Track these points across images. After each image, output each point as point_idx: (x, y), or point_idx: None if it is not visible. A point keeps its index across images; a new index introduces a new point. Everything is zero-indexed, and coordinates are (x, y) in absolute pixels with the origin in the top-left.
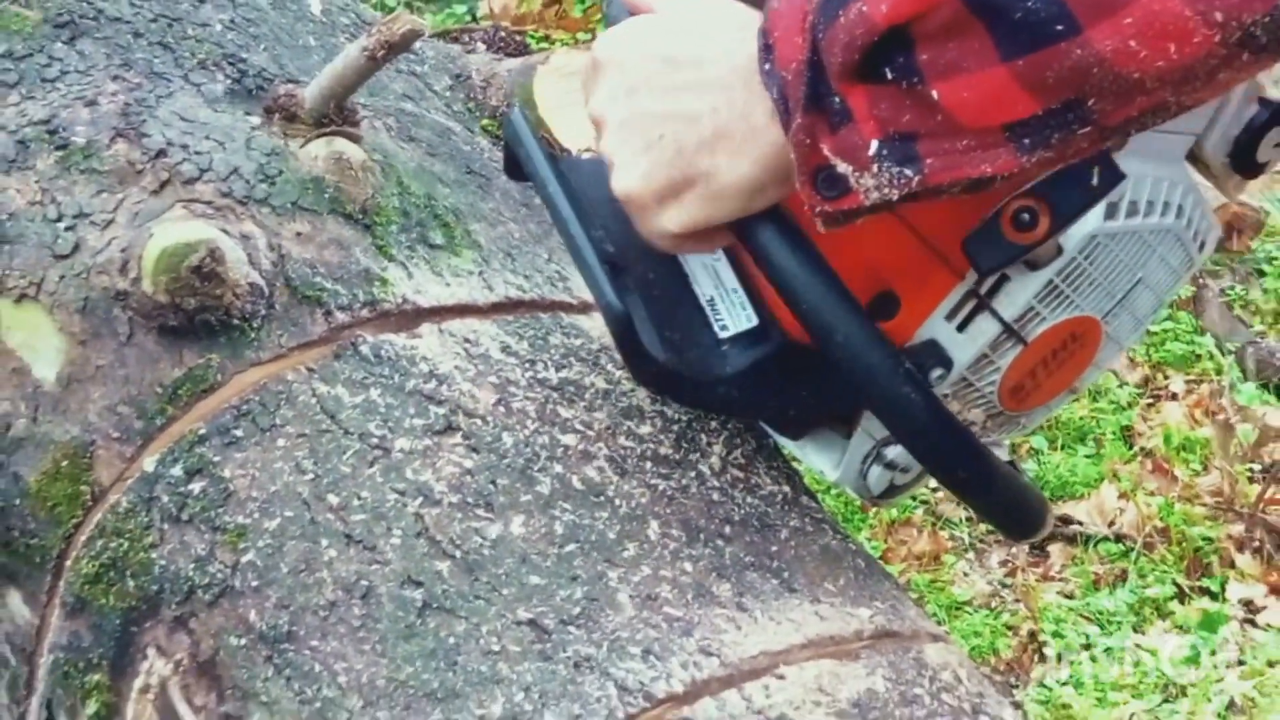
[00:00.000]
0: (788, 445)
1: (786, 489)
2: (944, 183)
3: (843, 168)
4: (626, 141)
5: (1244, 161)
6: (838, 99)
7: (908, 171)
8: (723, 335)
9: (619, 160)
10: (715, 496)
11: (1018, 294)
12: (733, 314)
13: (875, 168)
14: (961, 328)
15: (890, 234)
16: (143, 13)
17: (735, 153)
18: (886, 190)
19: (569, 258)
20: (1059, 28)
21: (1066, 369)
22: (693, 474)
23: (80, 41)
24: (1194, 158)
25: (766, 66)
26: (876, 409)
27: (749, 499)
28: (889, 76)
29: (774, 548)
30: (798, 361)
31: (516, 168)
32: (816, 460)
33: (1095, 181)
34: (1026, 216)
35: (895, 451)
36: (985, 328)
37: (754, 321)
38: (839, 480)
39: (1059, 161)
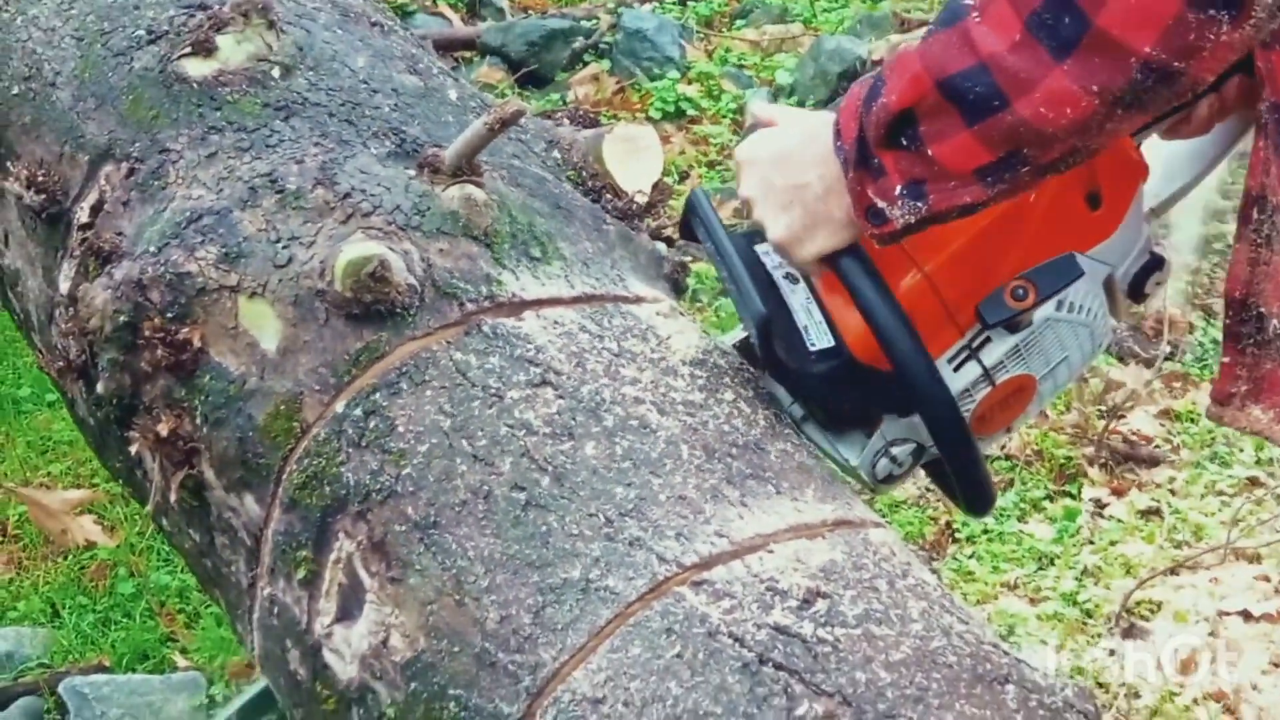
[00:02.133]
0: (820, 443)
1: (775, 424)
2: (942, 210)
3: (881, 204)
4: (770, 210)
5: (1135, 292)
6: (876, 160)
7: (919, 204)
8: (811, 350)
9: (769, 222)
10: (726, 429)
11: (996, 350)
12: (819, 336)
13: (900, 203)
14: (956, 369)
15: (924, 301)
16: (334, 99)
17: (839, 202)
18: (908, 217)
19: (631, 268)
20: (996, 103)
21: (1010, 412)
22: (710, 413)
23: (292, 119)
24: (1108, 284)
25: (837, 143)
26: (917, 396)
27: (750, 430)
28: (904, 144)
29: (766, 464)
30: (857, 373)
31: (690, 230)
32: (844, 451)
33: (1065, 275)
34: (1021, 291)
35: (899, 450)
36: (970, 370)
37: (831, 343)
38: (857, 466)
39: (1014, 192)
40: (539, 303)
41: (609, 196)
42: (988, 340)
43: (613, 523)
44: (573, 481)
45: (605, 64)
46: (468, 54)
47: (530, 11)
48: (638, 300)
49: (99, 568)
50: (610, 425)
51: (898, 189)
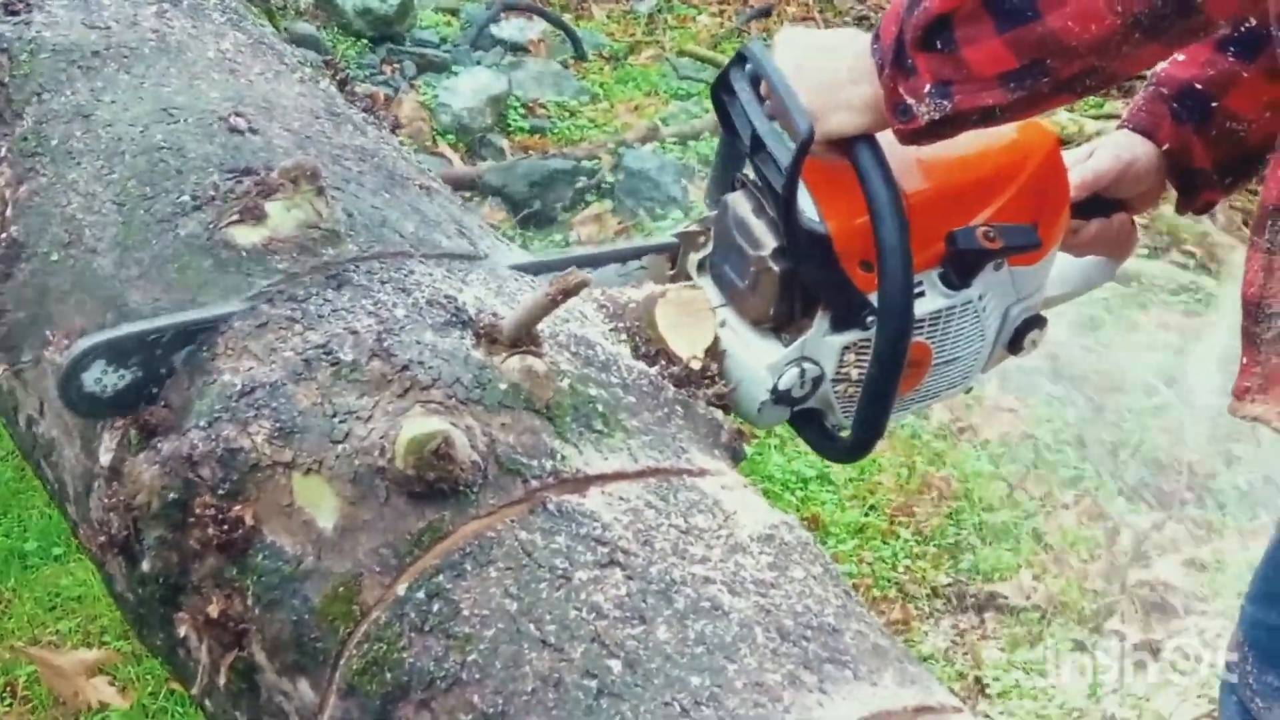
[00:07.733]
0: (737, 344)
1: (847, 602)
2: (964, 109)
3: (910, 101)
4: (805, 89)
5: (1017, 340)
6: (910, 61)
7: (945, 102)
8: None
9: (805, 98)
10: (799, 609)
11: (926, 304)
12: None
13: (927, 101)
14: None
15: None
16: (386, 267)
17: (859, 92)
18: (932, 114)
19: (690, 437)
20: (1029, 14)
21: (908, 379)
22: (782, 593)
23: (344, 289)
24: (1004, 316)
25: (874, 45)
26: (884, 283)
27: (823, 610)
28: (938, 46)
29: (842, 645)
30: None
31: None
32: (761, 351)
33: (1025, 239)
34: (992, 234)
35: (810, 366)
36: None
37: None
38: (768, 368)
39: (1031, 103)
40: (603, 478)
41: (663, 362)
42: (922, 294)
43: (689, 712)
44: (646, 668)
45: (608, 204)
46: (468, 194)
47: (530, 152)
48: (701, 473)
49: None
50: (682, 607)
51: (927, 88)
